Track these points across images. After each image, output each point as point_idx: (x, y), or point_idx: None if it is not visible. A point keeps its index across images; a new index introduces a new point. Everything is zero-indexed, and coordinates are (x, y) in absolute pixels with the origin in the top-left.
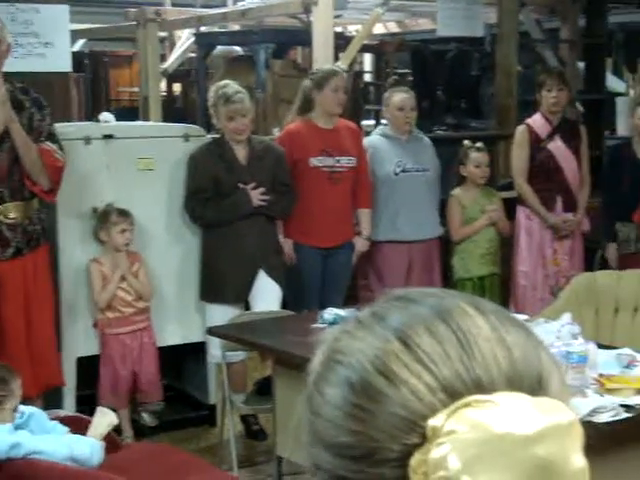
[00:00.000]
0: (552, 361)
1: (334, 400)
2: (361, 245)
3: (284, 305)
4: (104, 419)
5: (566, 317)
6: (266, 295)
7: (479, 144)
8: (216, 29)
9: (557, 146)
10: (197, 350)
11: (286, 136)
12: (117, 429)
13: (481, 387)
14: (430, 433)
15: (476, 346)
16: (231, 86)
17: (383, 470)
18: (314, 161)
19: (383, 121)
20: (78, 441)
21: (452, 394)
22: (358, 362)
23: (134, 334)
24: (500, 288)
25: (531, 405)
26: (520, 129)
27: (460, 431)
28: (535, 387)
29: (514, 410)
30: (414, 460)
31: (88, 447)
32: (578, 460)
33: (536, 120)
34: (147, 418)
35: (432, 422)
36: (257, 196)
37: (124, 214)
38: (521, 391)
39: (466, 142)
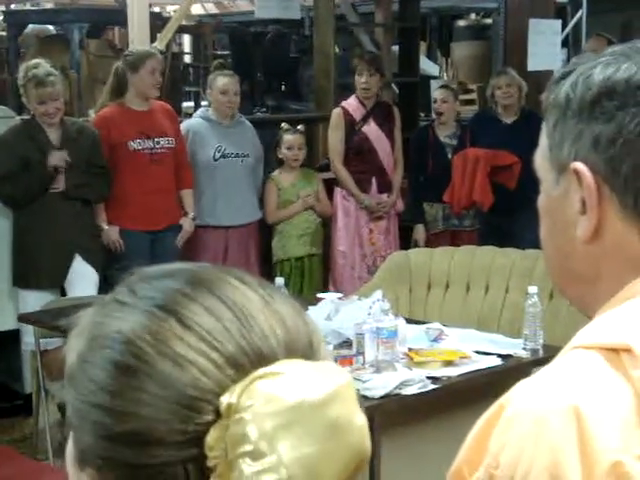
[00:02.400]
0: (316, 328)
1: (106, 385)
2: (188, 225)
3: (106, 290)
4: None
5: (377, 294)
6: (82, 280)
7: (300, 127)
8: (28, 7)
9: (371, 129)
10: (11, 338)
11: (101, 121)
12: None
13: (263, 357)
14: (225, 409)
15: (252, 318)
16: (42, 67)
17: (174, 452)
18: (133, 144)
19: (203, 103)
20: None
21: (239, 368)
22: (131, 344)
23: None
24: (320, 268)
25: (314, 370)
26: (335, 112)
27: (256, 405)
28: (308, 352)
29: (301, 378)
30: (210, 438)
31: None
32: (360, 417)
33: (351, 103)
34: None
35: (226, 398)
36: (60, 158)
37: None
38: (298, 357)
39: (283, 124)
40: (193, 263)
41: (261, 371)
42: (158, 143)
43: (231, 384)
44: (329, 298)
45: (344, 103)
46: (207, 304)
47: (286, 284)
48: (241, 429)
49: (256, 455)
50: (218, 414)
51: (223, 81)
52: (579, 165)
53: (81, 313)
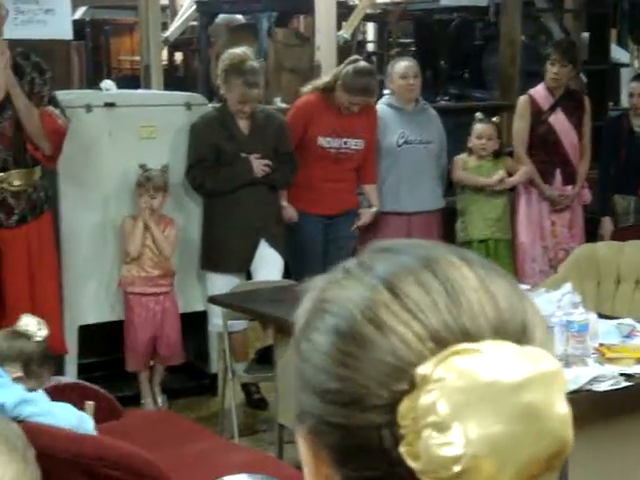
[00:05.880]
0: (537, 313)
1: (323, 347)
2: (368, 217)
3: (288, 274)
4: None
5: (567, 287)
6: (268, 264)
7: (495, 118)
8: None
9: (558, 119)
10: (198, 319)
11: (304, 107)
12: (137, 393)
13: (468, 336)
14: (419, 380)
15: (463, 296)
16: (249, 64)
17: (371, 416)
18: (322, 141)
19: (386, 91)
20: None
21: (440, 343)
22: (347, 310)
23: (156, 297)
24: (509, 255)
25: (517, 353)
26: (522, 99)
27: (449, 378)
28: (520, 336)
29: (501, 358)
30: (403, 406)
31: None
32: (562, 407)
33: (539, 91)
34: (160, 401)
35: (421, 370)
36: (259, 166)
37: (150, 179)
38: (507, 340)
39: (478, 114)
40: (424, 240)
41: (460, 346)
42: (346, 143)
43: (429, 356)
44: None
45: (531, 91)
46: (421, 277)
47: None
48: (430, 400)
49: (441, 427)
50: (413, 384)
51: (402, 65)
52: None
53: (313, 279)
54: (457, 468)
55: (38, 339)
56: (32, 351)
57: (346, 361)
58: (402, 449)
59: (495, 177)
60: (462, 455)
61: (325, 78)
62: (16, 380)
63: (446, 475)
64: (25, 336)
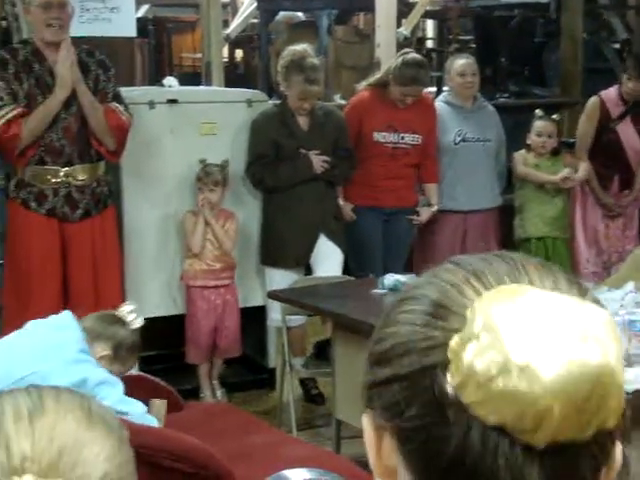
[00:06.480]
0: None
1: (406, 319)
2: (425, 216)
3: (347, 270)
4: (157, 409)
5: (630, 285)
6: (328, 259)
7: (555, 115)
8: None
9: (626, 127)
10: (257, 314)
11: (358, 103)
12: (195, 387)
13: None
14: (469, 316)
15: (524, 270)
16: (313, 65)
17: (427, 359)
18: (377, 136)
19: (445, 88)
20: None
21: (485, 284)
22: (429, 290)
23: (217, 290)
24: (568, 254)
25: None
26: (592, 101)
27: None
28: None
29: (539, 302)
30: (454, 342)
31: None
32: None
33: (610, 96)
34: (219, 395)
35: (470, 303)
36: (319, 162)
37: (210, 174)
38: None
39: (537, 111)
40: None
41: (502, 286)
42: (402, 138)
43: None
44: None
45: (603, 93)
46: (493, 260)
47: None
48: (476, 325)
49: (481, 339)
50: (464, 324)
51: (460, 63)
52: None
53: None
54: (495, 372)
55: (133, 327)
56: (124, 337)
57: (396, 318)
58: (448, 377)
59: (561, 174)
60: (502, 362)
61: (379, 74)
62: (101, 359)
63: (483, 380)
64: (121, 322)
